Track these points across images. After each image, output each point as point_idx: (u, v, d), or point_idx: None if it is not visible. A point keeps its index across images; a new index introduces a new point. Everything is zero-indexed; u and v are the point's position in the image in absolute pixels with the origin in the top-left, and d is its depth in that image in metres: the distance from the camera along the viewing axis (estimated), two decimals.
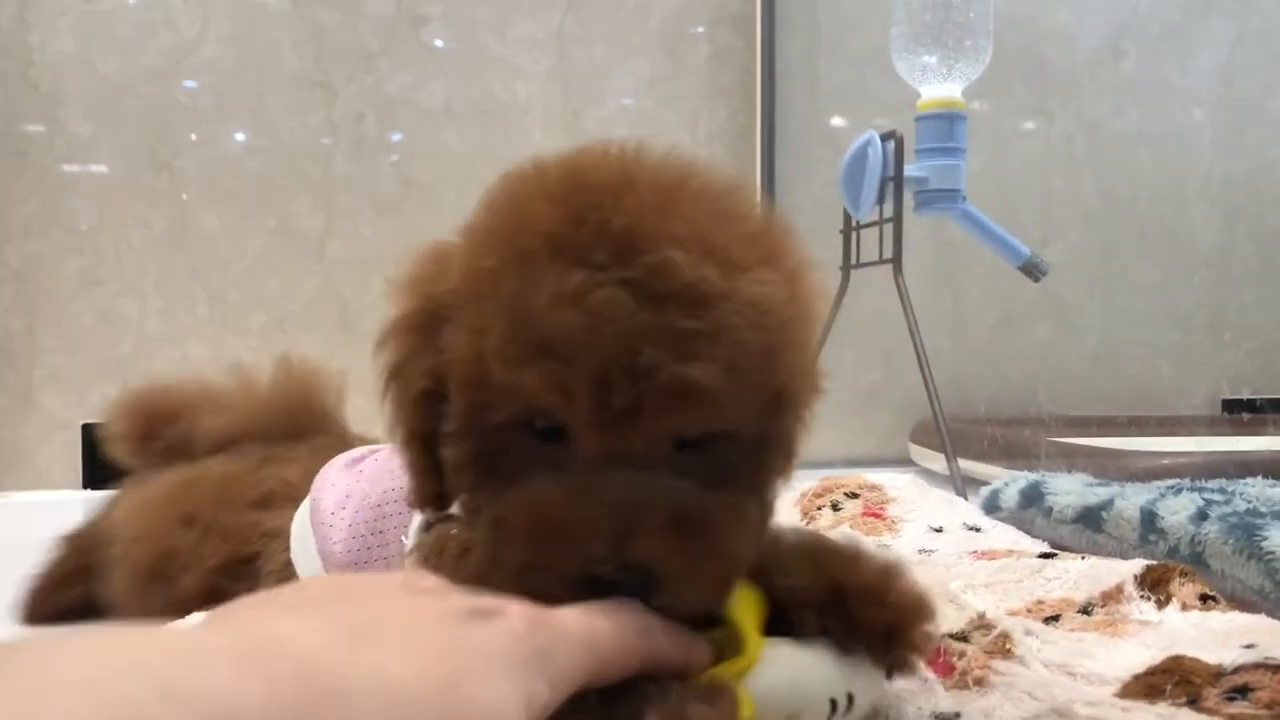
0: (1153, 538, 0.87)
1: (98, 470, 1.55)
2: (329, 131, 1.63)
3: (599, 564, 0.40)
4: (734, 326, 0.41)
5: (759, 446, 0.46)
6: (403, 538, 0.61)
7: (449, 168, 1.67)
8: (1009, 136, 1.88)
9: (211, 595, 0.72)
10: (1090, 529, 0.95)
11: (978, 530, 0.98)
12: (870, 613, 0.47)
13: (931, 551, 0.91)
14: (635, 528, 0.40)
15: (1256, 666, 0.54)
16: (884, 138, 1.43)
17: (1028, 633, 0.63)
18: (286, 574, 0.73)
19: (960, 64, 1.45)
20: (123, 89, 1.57)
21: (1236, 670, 0.54)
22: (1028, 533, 1.02)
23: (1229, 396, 1.94)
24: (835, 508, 1.04)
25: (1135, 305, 1.93)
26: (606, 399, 0.40)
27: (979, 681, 0.56)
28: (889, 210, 1.43)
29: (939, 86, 1.46)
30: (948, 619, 0.66)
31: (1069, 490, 1.00)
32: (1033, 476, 1.08)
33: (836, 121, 1.81)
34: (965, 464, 1.50)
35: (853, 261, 1.53)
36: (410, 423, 0.47)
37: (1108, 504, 0.94)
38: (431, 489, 0.48)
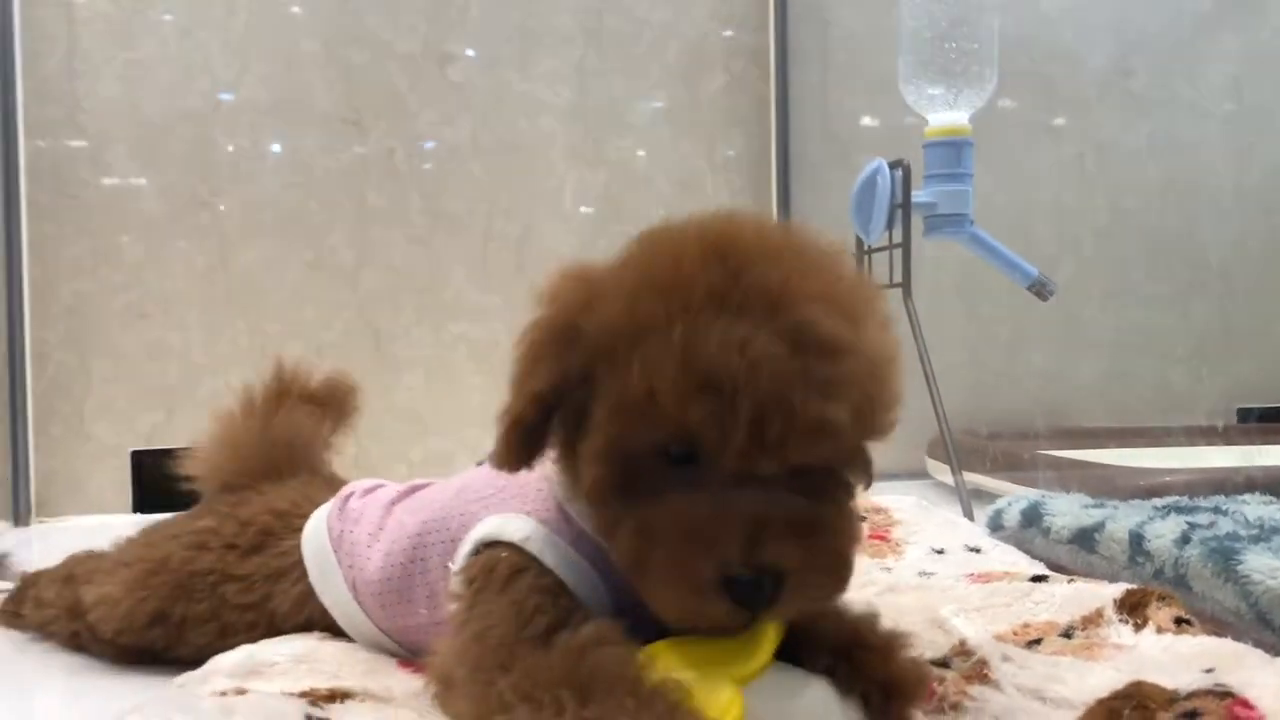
0: (1140, 559, 0.92)
1: (146, 495, 1.63)
2: (361, 167, 1.70)
3: (736, 567, 0.48)
4: (861, 374, 0.50)
5: (850, 468, 0.55)
6: (448, 564, 0.67)
7: (475, 199, 1.74)
8: (1020, 155, 1.92)
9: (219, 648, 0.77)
10: (1084, 549, 1.00)
11: (978, 551, 1.03)
12: (877, 667, 0.54)
13: (931, 574, 0.96)
14: (764, 534, 0.49)
15: (1207, 693, 0.59)
16: (892, 166, 1.48)
17: (1005, 658, 0.68)
18: (307, 605, 0.78)
19: (966, 92, 1.50)
20: (165, 131, 1.65)
21: (1189, 695, 0.59)
22: (1028, 552, 1.07)
23: (1243, 405, 1.97)
24: None
25: (1148, 318, 1.97)
26: (760, 431, 0.49)
27: (954, 707, 0.61)
28: (899, 235, 1.48)
29: (946, 114, 1.51)
30: (934, 645, 0.72)
31: (1065, 511, 1.05)
32: (1033, 497, 1.13)
33: (849, 147, 1.86)
34: (978, 479, 1.55)
35: None
36: (523, 412, 0.55)
37: (1100, 526, 0.99)
38: (524, 461, 0.57)
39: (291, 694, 0.64)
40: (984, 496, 1.41)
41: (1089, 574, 0.98)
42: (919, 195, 1.50)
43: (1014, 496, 1.16)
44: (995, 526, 1.15)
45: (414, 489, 0.79)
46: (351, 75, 1.70)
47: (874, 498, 1.15)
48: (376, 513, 0.77)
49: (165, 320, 1.65)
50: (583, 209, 1.78)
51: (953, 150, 1.50)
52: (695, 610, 0.50)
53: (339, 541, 0.77)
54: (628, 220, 1.79)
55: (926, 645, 0.71)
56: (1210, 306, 1.99)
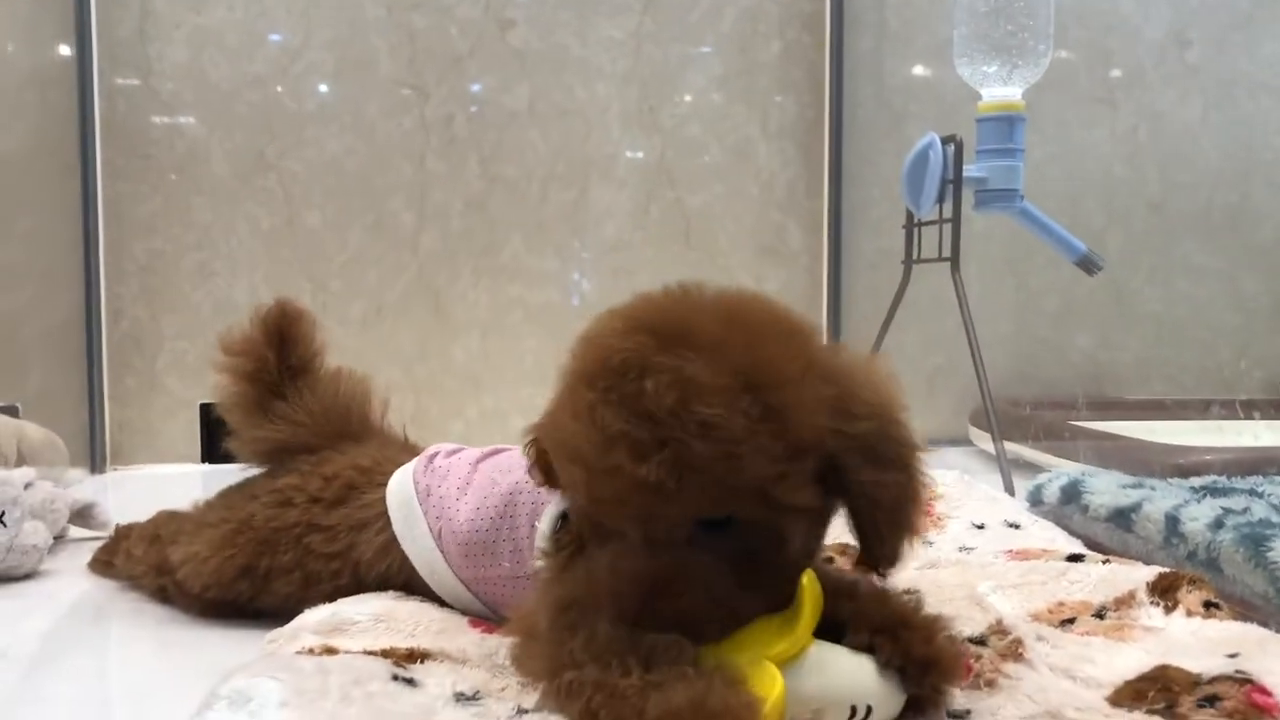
0: (1175, 541, 0.96)
1: (214, 445, 1.71)
2: (421, 131, 1.75)
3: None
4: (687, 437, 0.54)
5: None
6: (535, 523, 0.72)
7: (533, 165, 1.78)
8: (1073, 127, 1.93)
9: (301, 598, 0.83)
10: (1121, 529, 1.04)
11: (1017, 528, 1.07)
12: (917, 645, 0.58)
13: (971, 549, 1.00)
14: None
15: (1228, 678, 0.63)
16: (944, 141, 1.50)
17: (1039, 638, 0.72)
18: (389, 553, 0.83)
19: (1021, 68, 1.51)
20: (233, 95, 1.70)
21: (1211, 680, 0.63)
22: (1066, 528, 1.10)
23: None
24: None
25: (1196, 291, 1.97)
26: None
27: (990, 683, 0.65)
28: (949, 209, 1.50)
29: (999, 89, 1.52)
30: (972, 621, 0.76)
31: (1104, 490, 1.09)
32: (1073, 474, 1.16)
33: (901, 116, 1.88)
34: (1018, 448, 1.58)
35: (914, 256, 1.61)
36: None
37: (1137, 506, 1.02)
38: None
39: (374, 653, 0.69)
40: (1024, 466, 1.44)
41: (1125, 552, 1.01)
42: (970, 170, 1.51)
43: (1055, 472, 1.19)
44: (1035, 501, 1.19)
45: (495, 451, 0.84)
46: (414, 40, 1.74)
47: None
48: (464, 470, 0.82)
49: (233, 279, 1.71)
50: (636, 175, 1.82)
51: (1005, 125, 1.51)
52: None
53: (425, 495, 0.82)
54: (681, 187, 1.82)
55: (965, 622, 0.75)
56: (1259, 283, 1.99)
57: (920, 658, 0.58)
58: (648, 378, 0.53)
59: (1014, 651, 0.70)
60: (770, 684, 0.54)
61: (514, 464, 0.80)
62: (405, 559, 0.83)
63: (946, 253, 1.52)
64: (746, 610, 0.57)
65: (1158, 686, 0.63)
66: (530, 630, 0.63)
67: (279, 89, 1.71)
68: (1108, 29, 1.92)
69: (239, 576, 0.87)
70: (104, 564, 1.03)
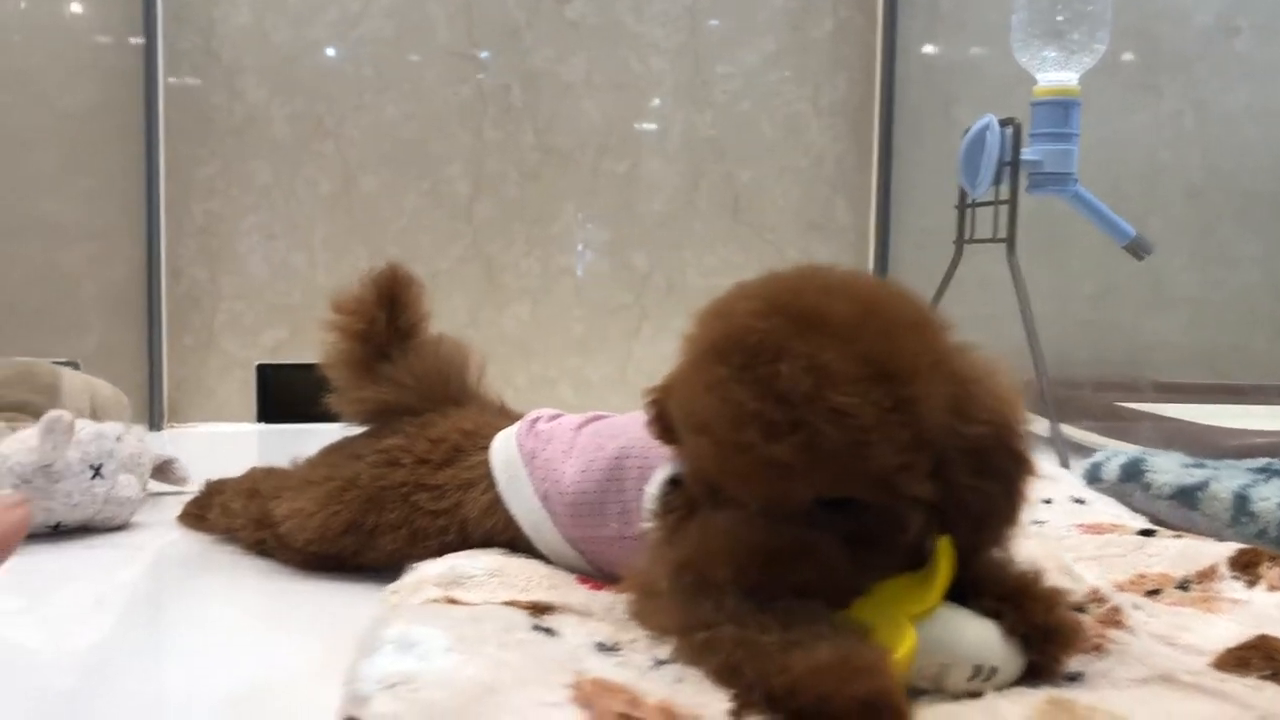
0: (1244, 519, 0.99)
1: (269, 405, 1.73)
2: (479, 101, 1.77)
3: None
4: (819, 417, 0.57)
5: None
6: (644, 485, 0.75)
7: (587, 136, 1.80)
8: (1117, 111, 1.95)
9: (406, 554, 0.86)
10: (1186, 507, 1.07)
11: (1082, 503, 1.10)
12: (1040, 614, 0.61)
13: (1043, 523, 1.03)
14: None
15: None
16: (1003, 123, 1.52)
17: (1135, 606, 0.75)
18: (494, 512, 0.86)
19: (1078, 54, 1.53)
20: (293, 59, 1.72)
21: None
22: (1127, 504, 1.13)
23: None
24: None
25: (1234, 277, 2.00)
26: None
27: (1097, 648, 0.68)
28: (1004, 190, 1.53)
29: (1055, 74, 1.54)
30: (1066, 590, 0.79)
31: (1167, 469, 1.11)
32: (1134, 452, 1.19)
33: (952, 98, 1.90)
34: (1065, 429, 1.61)
35: (966, 237, 1.63)
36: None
37: (1203, 485, 1.05)
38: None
39: (500, 604, 0.72)
40: (1070, 448, 1.47)
41: (1189, 529, 1.04)
42: (1025, 153, 1.54)
43: (1112, 450, 1.22)
44: (1093, 479, 1.21)
45: (595, 418, 0.86)
46: (471, 9, 1.75)
47: None
48: (567, 434, 0.85)
49: (291, 241, 1.74)
50: (687, 148, 1.84)
51: (1060, 110, 1.53)
52: None
53: (529, 456, 0.85)
54: (731, 161, 1.84)
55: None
56: None
57: (1043, 626, 0.61)
58: (783, 361, 0.54)
59: (1113, 619, 0.73)
60: (901, 639, 0.57)
61: (619, 429, 0.83)
62: (509, 519, 0.85)
63: (1000, 233, 1.54)
64: (857, 587, 0.59)
65: (1260, 654, 0.66)
66: (650, 588, 0.65)
67: (338, 54, 1.73)
68: (1156, 14, 1.94)
69: (345, 532, 0.89)
70: (196, 518, 1.05)
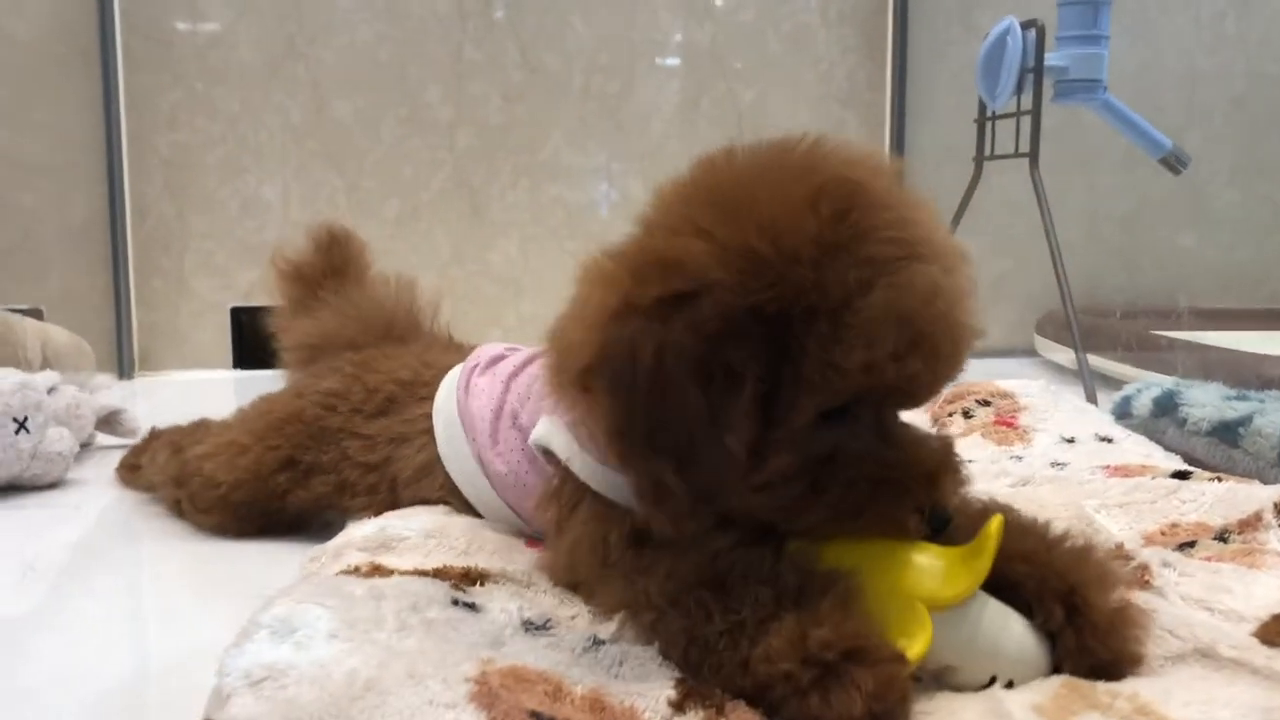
0: None
1: (246, 351, 1.64)
2: (458, 17, 1.64)
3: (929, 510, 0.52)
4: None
5: None
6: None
7: (575, 53, 1.67)
8: (1154, 16, 1.80)
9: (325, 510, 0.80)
10: (1226, 444, 0.95)
11: (1109, 441, 0.99)
12: (1094, 636, 0.51)
13: (1064, 465, 0.92)
14: (939, 478, 0.53)
15: None
16: (1024, 26, 1.39)
17: (1165, 564, 0.65)
18: (430, 472, 0.78)
19: None
20: None
21: None
22: (1159, 442, 1.02)
23: None
24: (967, 415, 1.06)
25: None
26: (948, 369, 0.54)
27: None
28: (1025, 100, 1.40)
29: None
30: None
31: (1205, 403, 1.00)
32: (1167, 384, 1.07)
33: (970, 2, 1.75)
34: (1092, 360, 1.49)
35: (987, 153, 1.51)
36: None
37: (1246, 420, 0.94)
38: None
39: (426, 572, 0.62)
40: (1096, 379, 1.35)
41: (1229, 470, 0.93)
42: (1050, 58, 1.41)
43: (1144, 383, 1.11)
44: (1122, 414, 1.10)
45: (532, 359, 0.77)
46: None
47: (998, 381, 1.10)
48: (497, 390, 0.75)
49: (261, 174, 1.63)
50: (686, 66, 1.71)
51: (1089, 10, 1.40)
52: None
53: (466, 413, 0.76)
54: (733, 78, 1.71)
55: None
56: None
57: (1095, 650, 0.51)
58: (942, 239, 0.53)
59: (1140, 579, 0.63)
60: (915, 632, 0.47)
61: (527, 390, 0.74)
62: (447, 480, 0.76)
63: (1023, 148, 1.42)
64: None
65: None
66: (573, 580, 0.61)
67: None
68: None
69: (280, 468, 0.82)
70: (130, 468, 0.98)
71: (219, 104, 1.61)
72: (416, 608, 0.54)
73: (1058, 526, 0.57)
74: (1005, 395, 1.07)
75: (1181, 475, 0.85)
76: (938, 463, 0.53)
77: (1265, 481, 0.84)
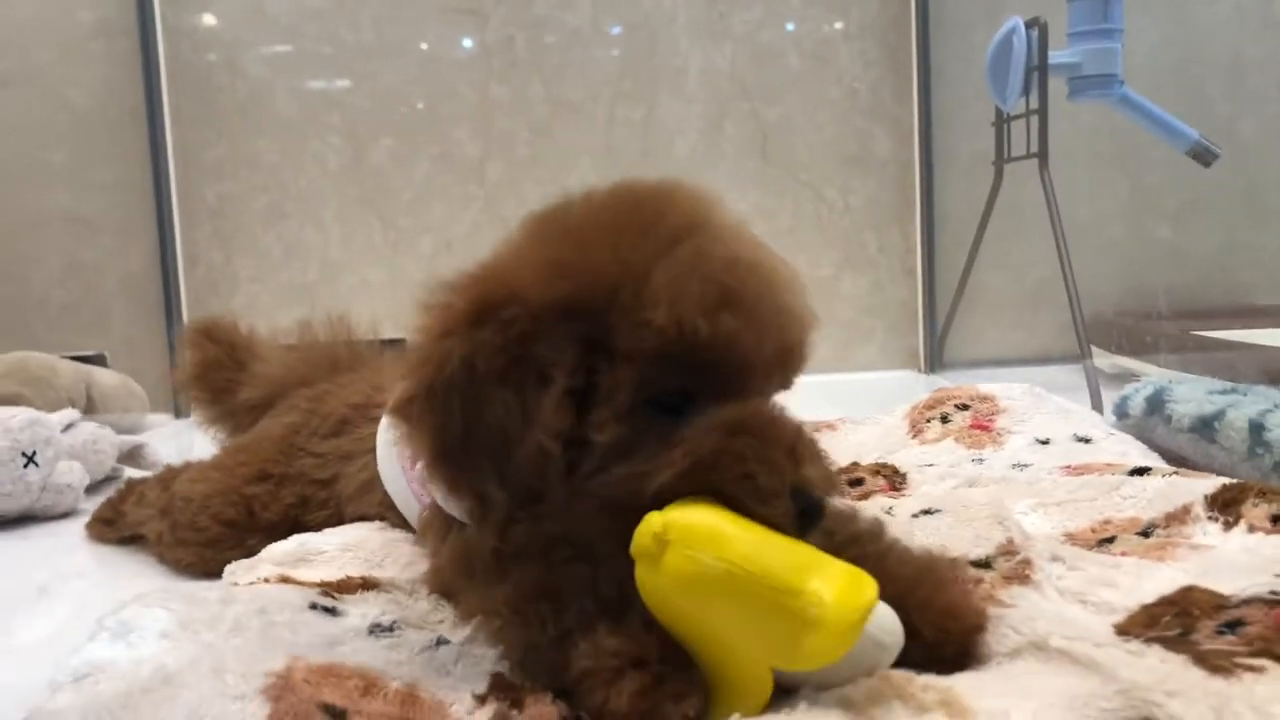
0: (1259, 450, 0.84)
1: None
2: (482, 57, 1.69)
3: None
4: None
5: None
6: None
7: (598, 84, 1.71)
8: (1194, 7, 1.73)
9: (291, 525, 0.83)
10: (1205, 439, 0.92)
11: (1087, 442, 0.96)
12: (930, 629, 0.51)
13: (1027, 466, 0.90)
14: (799, 458, 0.51)
15: (1261, 600, 0.53)
16: (1028, 25, 1.36)
17: (1054, 558, 0.63)
18: (370, 489, 0.80)
19: None
20: (292, 31, 1.68)
21: (1241, 603, 0.53)
22: (1149, 441, 0.99)
23: None
24: (944, 420, 1.04)
25: None
26: (784, 340, 0.53)
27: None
28: (1035, 100, 1.37)
29: None
30: (987, 542, 0.67)
31: (1188, 399, 0.96)
32: (1160, 383, 1.04)
33: (997, 6, 1.72)
34: (1133, 363, 1.44)
35: (1004, 155, 1.48)
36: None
37: (1220, 414, 0.90)
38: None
39: (309, 583, 0.65)
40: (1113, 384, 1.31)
41: (1209, 466, 0.90)
42: (1061, 55, 1.38)
43: (1141, 383, 1.07)
44: (1121, 414, 1.07)
45: None
46: None
47: (980, 386, 1.08)
48: None
49: (302, 219, 1.70)
50: (708, 88, 1.72)
51: (1099, 3, 1.37)
52: None
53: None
54: (757, 97, 1.72)
55: (977, 543, 0.67)
56: None
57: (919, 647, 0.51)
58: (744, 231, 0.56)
59: (1019, 574, 0.61)
60: (755, 695, 0.47)
61: None
62: (385, 497, 0.79)
63: (1035, 148, 1.39)
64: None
65: (1175, 611, 0.54)
66: (448, 591, 0.64)
67: (337, 21, 1.68)
68: None
69: (254, 480, 0.86)
70: (104, 522, 0.98)
71: (260, 155, 1.69)
72: (264, 611, 0.57)
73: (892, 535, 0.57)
74: (985, 399, 1.05)
75: (1140, 471, 0.82)
76: (795, 438, 0.50)
77: (1237, 476, 0.80)
